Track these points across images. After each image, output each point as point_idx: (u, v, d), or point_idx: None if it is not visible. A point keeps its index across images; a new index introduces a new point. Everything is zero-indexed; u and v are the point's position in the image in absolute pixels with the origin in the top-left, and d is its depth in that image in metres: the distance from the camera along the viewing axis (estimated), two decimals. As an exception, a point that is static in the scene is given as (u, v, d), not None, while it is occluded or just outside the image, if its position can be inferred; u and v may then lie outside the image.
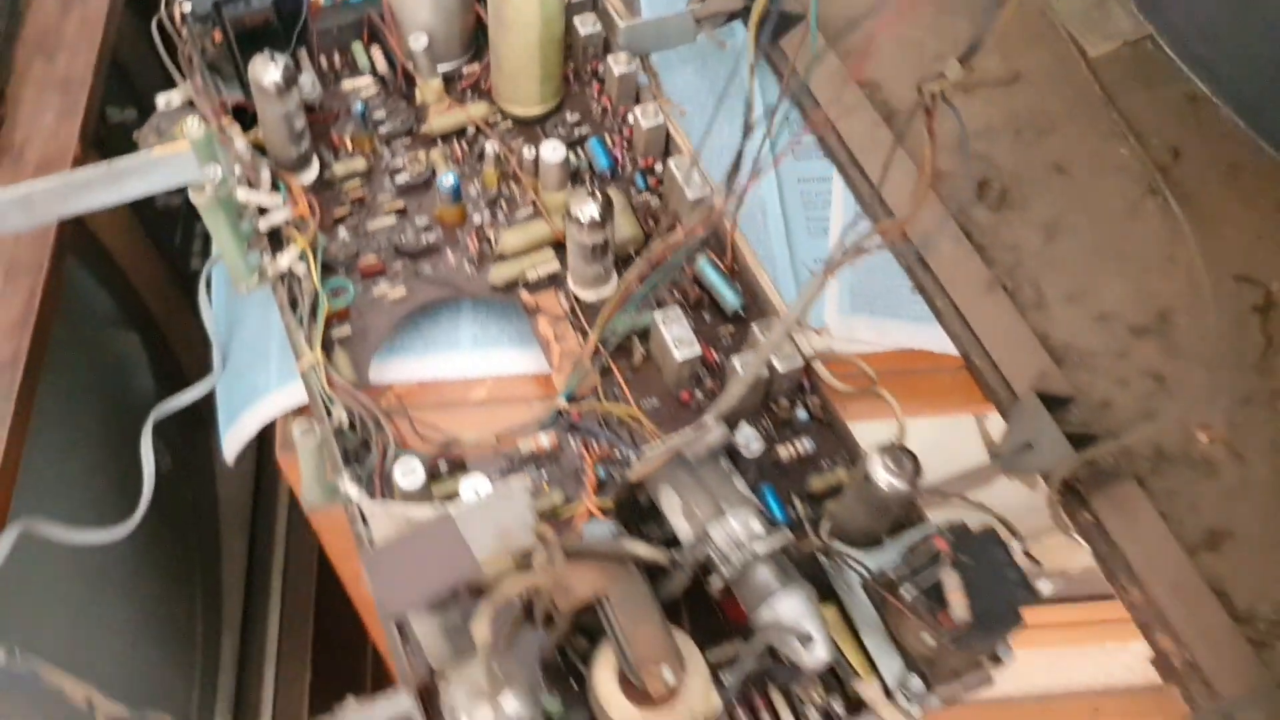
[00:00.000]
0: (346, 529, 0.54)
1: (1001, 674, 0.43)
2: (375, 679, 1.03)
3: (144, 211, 0.83)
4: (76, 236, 0.75)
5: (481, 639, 0.33)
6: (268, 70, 0.49)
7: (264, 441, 1.03)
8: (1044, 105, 0.59)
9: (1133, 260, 0.54)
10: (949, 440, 0.57)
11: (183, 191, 0.88)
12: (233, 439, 0.57)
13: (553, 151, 0.52)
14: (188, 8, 0.51)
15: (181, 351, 0.87)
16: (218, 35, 0.52)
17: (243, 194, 0.49)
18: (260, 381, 0.56)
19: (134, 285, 0.82)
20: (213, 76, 0.54)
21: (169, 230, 0.87)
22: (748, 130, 0.44)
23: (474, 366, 0.54)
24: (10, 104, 0.62)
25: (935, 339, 0.54)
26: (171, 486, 0.89)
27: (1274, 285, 0.52)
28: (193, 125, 0.48)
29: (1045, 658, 1.05)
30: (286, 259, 0.50)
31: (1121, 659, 1.05)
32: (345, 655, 1.01)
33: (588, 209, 0.47)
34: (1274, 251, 0.53)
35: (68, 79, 0.63)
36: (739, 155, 0.45)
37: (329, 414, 0.46)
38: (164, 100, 0.56)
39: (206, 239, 0.92)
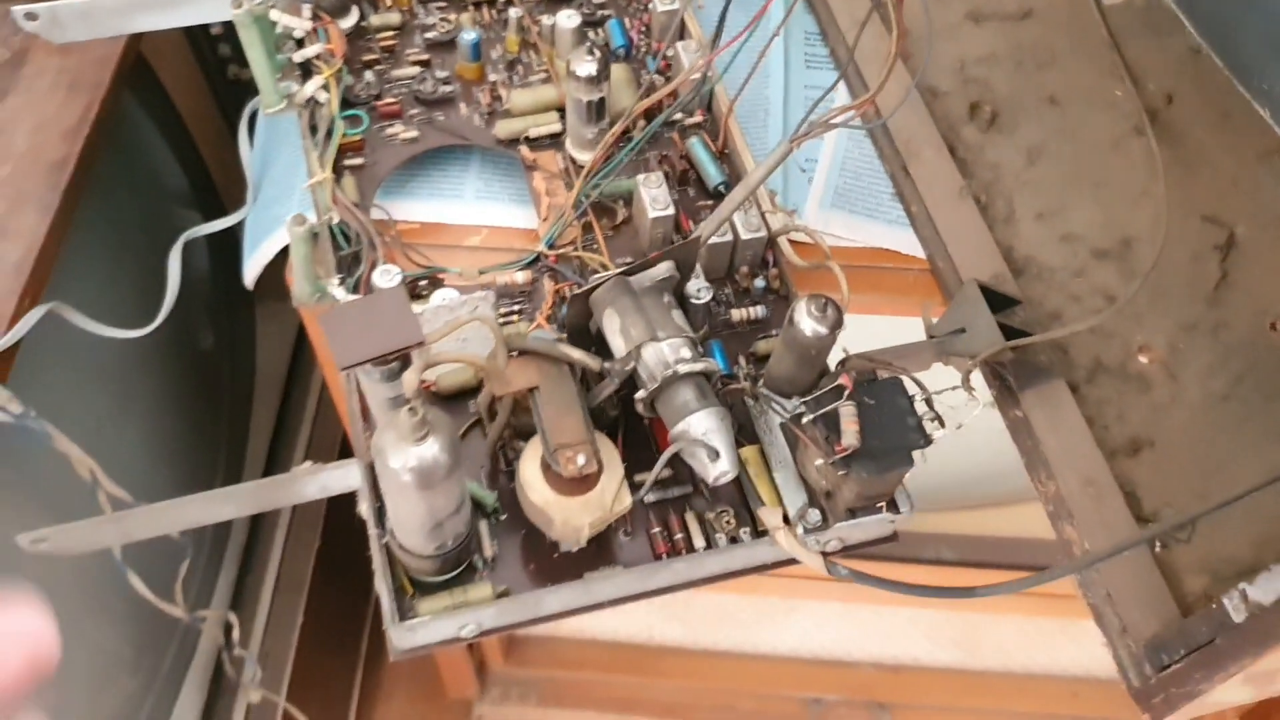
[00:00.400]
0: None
1: (902, 523, 0.46)
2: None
3: (215, 80, 0.89)
4: (152, 96, 0.81)
5: (409, 384, 0.37)
6: (316, -89, 0.54)
7: (303, 332, 1.08)
8: (1049, 41, 0.62)
9: (1107, 190, 0.57)
10: (903, 338, 0.60)
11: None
12: (253, 264, 0.62)
13: (567, 19, 0.56)
14: None
15: (230, 205, 0.93)
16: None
17: (275, 14, 0.54)
18: (284, 212, 0.61)
19: (198, 146, 0.88)
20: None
21: (238, 101, 0.92)
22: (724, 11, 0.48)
23: (473, 216, 0.58)
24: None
25: (906, 242, 0.57)
26: (212, 361, 0.95)
27: (1239, 228, 0.54)
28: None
29: (1028, 633, 1.07)
30: (310, 86, 0.54)
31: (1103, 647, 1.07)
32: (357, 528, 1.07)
33: (586, 65, 0.51)
34: (1245, 199, 0.55)
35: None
36: (724, 11, 0.49)
37: (333, 236, 0.50)
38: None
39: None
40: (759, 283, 0.52)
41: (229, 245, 0.94)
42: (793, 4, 0.54)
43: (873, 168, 0.59)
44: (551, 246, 0.53)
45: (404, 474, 0.38)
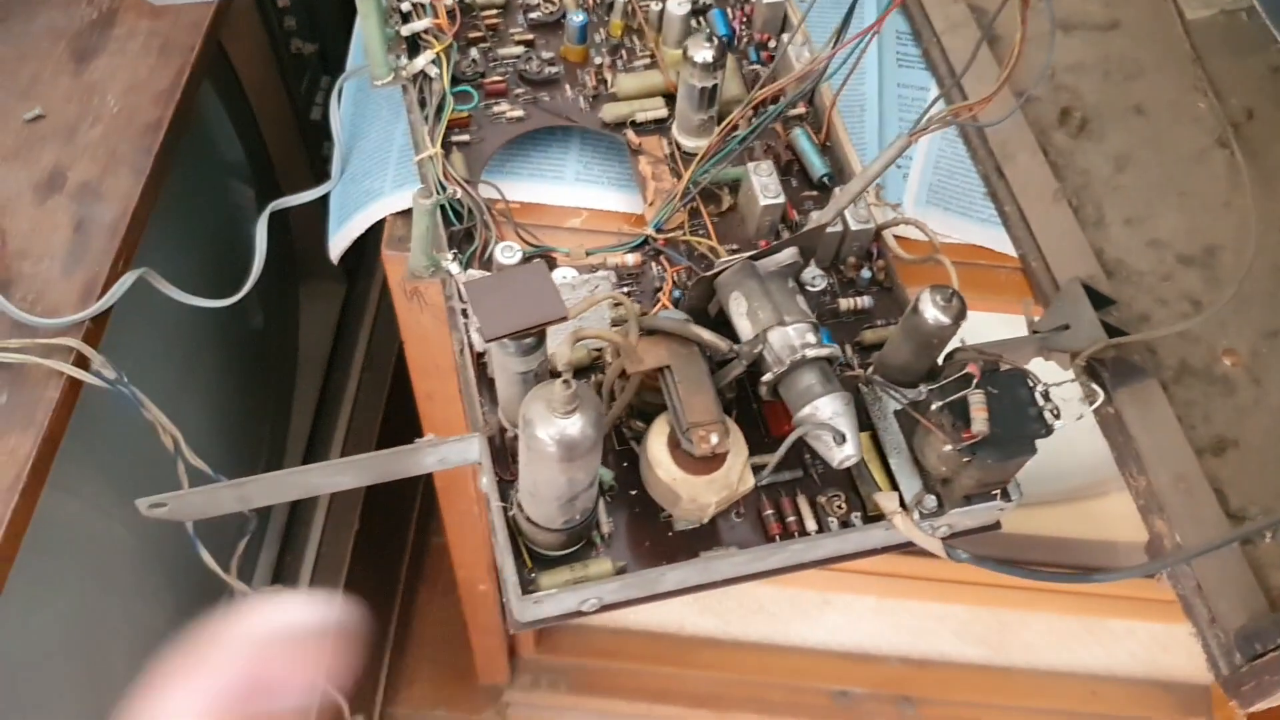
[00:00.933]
0: (431, 332, 0.60)
1: (1008, 517, 0.47)
2: (419, 530, 1.09)
3: (280, 52, 0.89)
4: (216, 65, 0.81)
5: (563, 357, 0.38)
6: (436, -112, 0.54)
7: (348, 305, 1.08)
8: (1135, 53, 0.63)
9: (1192, 199, 0.58)
10: (996, 334, 0.61)
11: (319, 38, 0.94)
12: (341, 238, 0.62)
13: (678, 5, 0.57)
14: None
15: (284, 180, 0.94)
16: None
17: (399, -13, 0.54)
18: (376, 186, 0.61)
19: (258, 120, 0.88)
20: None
21: (299, 75, 0.93)
22: (850, 11, 0.49)
23: (574, 198, 0.58)
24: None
25: (998, 240, 0.59)
26: (260, 339, 0.95)
27: (1317, 241, 0.56)
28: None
29: (1054, 630, 1.08)
30: (422, 60, 0.55)
31: (1128, 646, 1.09)
32: (394, 509, 1.08)
33: (703, 51, 0.51)
34: (1323, 214, 0.57)
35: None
36: (846, 18, 0.50)
37: (443, 191, 0.51)
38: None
39: (329, 90, 0.98)
40: (865, 274, 0.53)
41: (279, 222, 0.95)
42: (891, 5, 0.55)
43: (965, 167, 0.61)
44: (659, 230, 0.53)
45: (551, 445, 0.38)
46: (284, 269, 1.01)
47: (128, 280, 0.56)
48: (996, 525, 0.47)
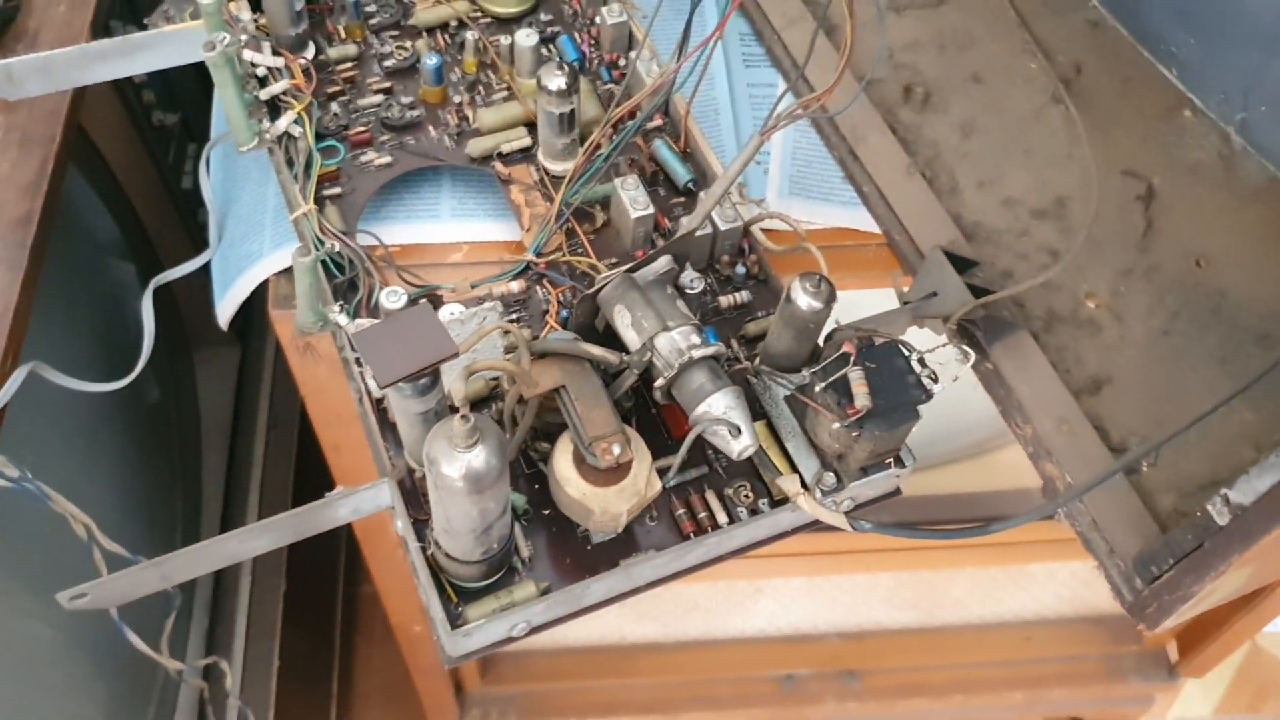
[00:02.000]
0: (328, 384, 0.61)
1: (906, 481, 0.49)
2: (348, 581, 1.08)
3: (142, 126, 0.88)
4: (79, 147, 0.80)
5: (458, 393, 0.39)
6: (273, -50, 0.55)
7: (244, 367, 1.07)
8: (966, 25, 0.67)
9: (1036, 156, 0.61)
10: (871, 308, 0.64)
11: (180, 108, 0.93)
12: (228, 303, 0.62)
13: (526, 37, 0.58)
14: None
15: (163, 252, 0.93)
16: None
17: (249, 54, 0.55)
18: (255, 249, 0.61)
19: (128, 195, 0.87)
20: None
21: (164, 147, 0.92)
22: (689, 20, 0.51)
23: (452, 234, 0.60)
24: (25, -6, 0.68)
25: (861, 220, 0.61)
26: (160, 411, 0.94)
27: (1155, 179, 0.60)
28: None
29: (979, 584, 1.12)
30: (284, 122, 0.56)
31: (1051, 588, 1.13)
32: (318, 564, 1.07)
33: (556, 79, 0.53)
34: (1156, 152, 0.61)
35: (78, -26, 0.69)
36: (686, 28, 0.52)
37: (321, 246, 0.52)
38: (169, -12, 0.61)
39: (197, 158, 0.98)
40: (739, 270, 0.55)
41: (164, 295, 0.94)
42: (729, 9, 0.57)
43: (822, 155, 0.63)
44: (539, 254, 0.55)
45: (458, 480, 0.40)
46: (175, 340, 1.00)
47: (18, 377, 0.56)
48: (897, 492, 0.50)
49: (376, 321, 0.46)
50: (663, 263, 0.47)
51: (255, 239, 0.62)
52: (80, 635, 0.74)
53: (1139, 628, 0.51)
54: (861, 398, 0.43)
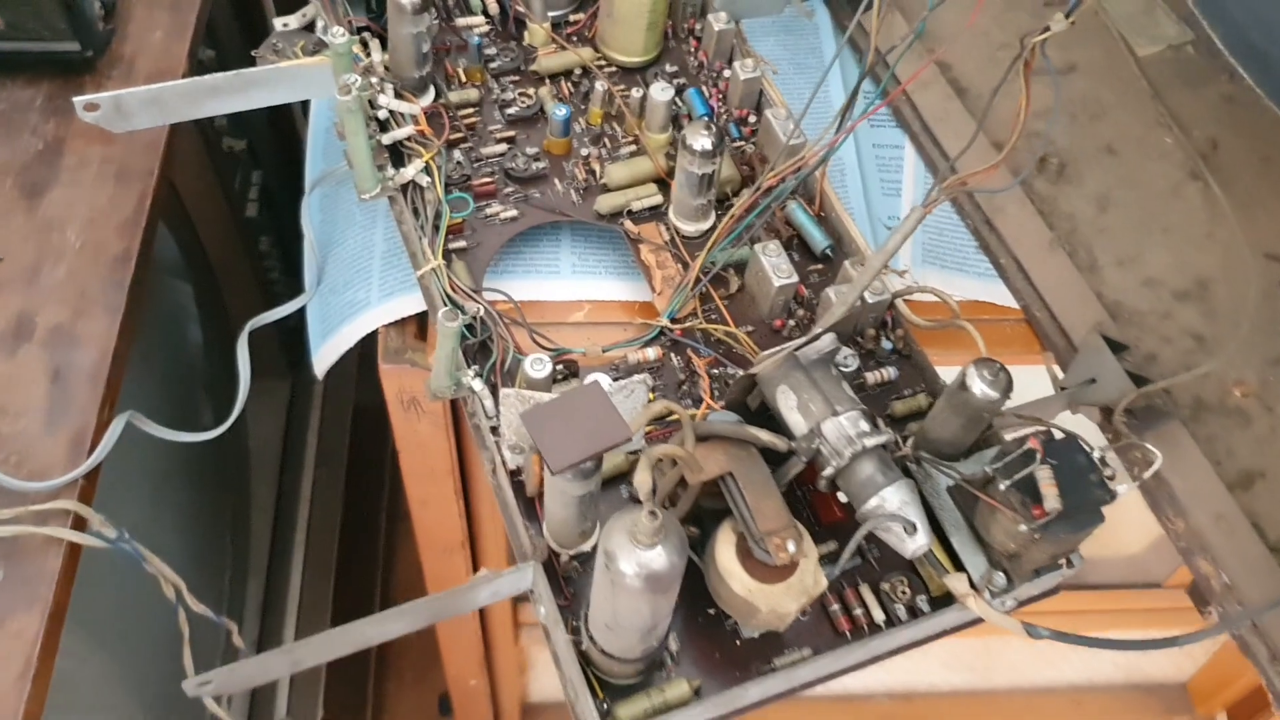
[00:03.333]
0: (429, 440, 0.58)
1: (1064, 576, 0.47)
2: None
3: (214, 152, 0.86)
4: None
5: (645, 485, 0.37)
6: (408, -9, 0.52)
7: (294, 401, 1.04)
8: (1096, 94, 0.65)
9: (1175, 234, 0.59)
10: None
11: (247, 133, 0.90)
12: (328, 351, 0.59)
13: (661, 92, 0.56)
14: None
15: (231, 298, 0.90)
16: (353, -42, 0.55)
17: (384, 99, 0.52)
18: (360, 297, 0.59)
19: (193, 219, 0.84)
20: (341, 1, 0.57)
21: (232, 173, 0.89)
22: (854, 95, 0.49)
23: (573, 291, 0.57)
24: (120, 19, 0.65)
25: (997, 293, 0.59)
26: (214, 449, 0.91)
27: (1302, 263, 0.58)
28: (337, 34, 0.51)
29: (1035, 648, 1.10)
30: (412, 170, 0.53)
31: (1106, 654, 1.10)
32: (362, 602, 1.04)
33: (702, 139, 0.51)
34: (1301, 235, 0.59)
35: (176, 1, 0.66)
36: (847, 105, 0.50)
37: (457, 306, 0.49)
38: (281, 23, 0.59)
39: (264, 187, 0.95)
40: (885, 344, 0.52)
41: (219, 320, 0.91)
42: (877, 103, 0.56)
43: (955, 222, 0.61)
44: (674, 319, 0.52)
45: (635, 579, 0.37)
46: (229, 369, 0.97)
47: (116, 429, 0.53)
48: (1056, 590, 0.47)
49: (546, 399, 0.43)
50: (827, 341, 0.45)
51: (361, 286, 0.59)
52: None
53: None
54: (1051, 500, 0.41)
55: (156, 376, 0.78)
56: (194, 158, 0.82)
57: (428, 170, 0.53)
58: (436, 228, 0.52)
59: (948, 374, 0.52)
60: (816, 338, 0.45)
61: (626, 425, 0.38)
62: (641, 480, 0.37)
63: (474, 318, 0.50)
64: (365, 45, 0.57)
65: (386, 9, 0.54)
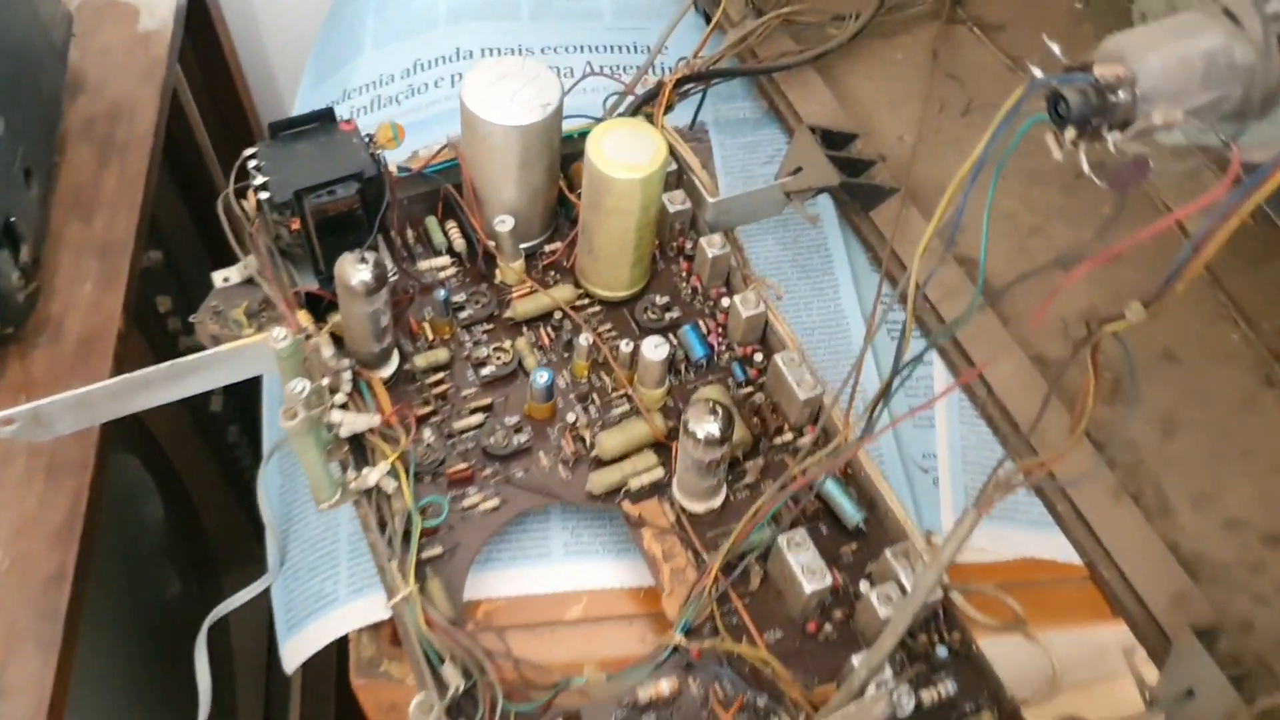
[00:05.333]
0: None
1: None
2: None
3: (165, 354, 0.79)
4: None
5: None
6: (358, 271, 0.45)
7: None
8: (1143, 283, 0.57)
9: (1257, 459, 0.52)
10: (1080, 654, 0.54)
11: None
12: (297, 648, 0.52)
13: (654, 350, 0.49)
14: (264, 194, 0.47)
15: (200, 499, 0.82)
16: (294, 223, 0.48)
17: (338, 416, 0.45)
18: (328, 590, 0.52)
19: (155, 437, 0.77)
20: (285, 263, 0.50)
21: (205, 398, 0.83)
22: (896, 371, 0.41)
23: (567, 579, 0.50)
24: (48, 272, 0.58)
25: (1054, 546, 0.51)
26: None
27: None
28: (279, 335, 0.44)
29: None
30: (375, 475, 0.46)
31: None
32: None
33: (707, 425, 0.44)
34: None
35: (107, 243, 0.59)
36: (888, 386, 0.42)
37: (434, 671, 0.41)
38: (221, 278, 0.52)
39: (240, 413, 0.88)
40: (941, 651, 0.45)
41: (182, 507, 0.83)
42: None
43: (998, 457, 0.54)
44: (688, 633, 0.45)
45: None
46: (201, 560, 0.89)
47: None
48: None
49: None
50: (881, 711, 0.37)
51: (328, 575, 0.52)
52: None
53: None
54: None
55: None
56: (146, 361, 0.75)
57: (394, 472, 0.46)
58: (408, 540, 0.45)
59: (1007, 647, 0.45)
60: (868, 708, 0.38)
61: None
62: None
63: (453, 658, 0.42)
64: (314, 313, 0.49)
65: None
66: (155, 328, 0.76)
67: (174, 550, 0.82)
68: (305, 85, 0.74)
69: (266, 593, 0.54)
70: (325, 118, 0.50)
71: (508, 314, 0.53)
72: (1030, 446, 0.50)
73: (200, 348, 0.48)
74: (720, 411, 0.44)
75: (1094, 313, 0.52)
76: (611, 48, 0.70)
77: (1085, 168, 0.34)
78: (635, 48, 0.71)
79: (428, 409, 0.50)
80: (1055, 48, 0.34)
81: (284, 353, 0.44)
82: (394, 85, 0.69)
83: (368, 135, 0.49)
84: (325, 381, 0.46)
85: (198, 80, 0.86)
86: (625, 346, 0.50)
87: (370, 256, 0.46)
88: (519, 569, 0.50)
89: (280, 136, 0.49)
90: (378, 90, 0.69)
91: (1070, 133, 0.34)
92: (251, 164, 0.48)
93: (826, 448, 0.46)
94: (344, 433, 0.47)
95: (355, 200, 0.47)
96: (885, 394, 0.43)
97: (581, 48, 0.70)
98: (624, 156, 0.48)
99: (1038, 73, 0.34)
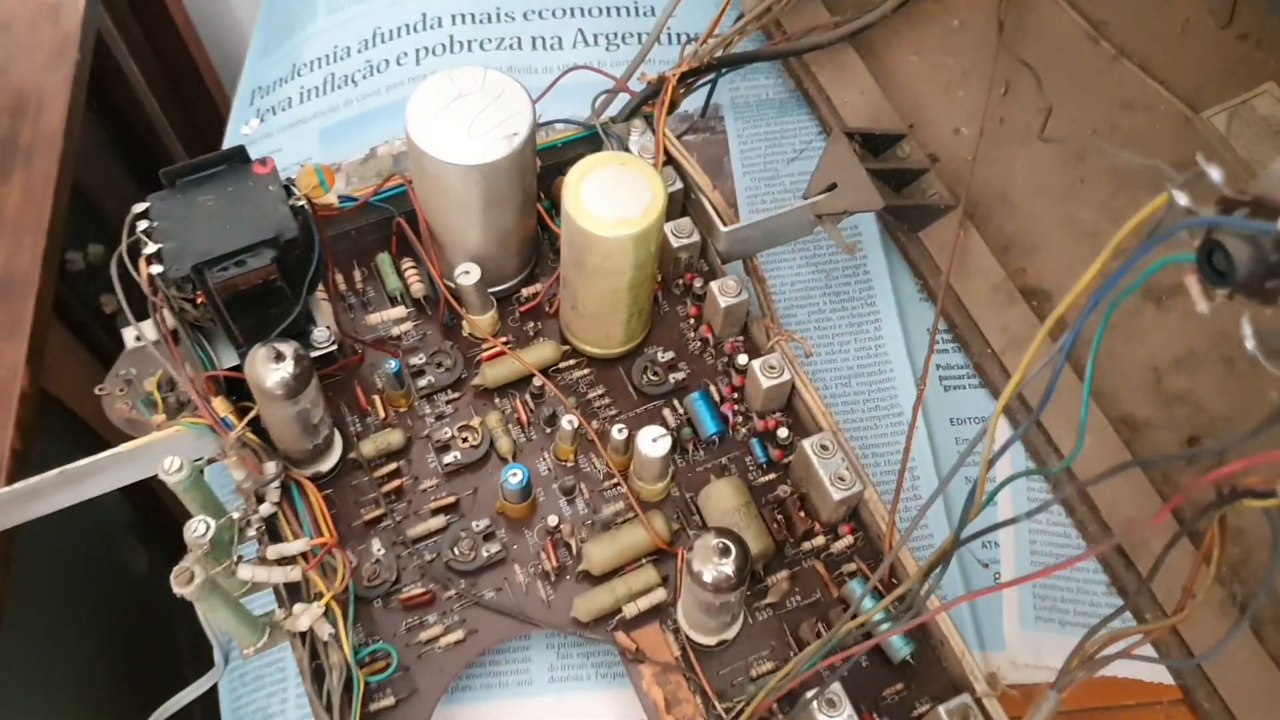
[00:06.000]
0: None
1: None
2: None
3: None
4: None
5: None
6: (273, 372, 0.36)
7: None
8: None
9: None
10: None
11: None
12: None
13: (653, 445, 0.39)
14: (156, 269, 0.38)
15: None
16: (200, 296, 0.38)
17: (247, 572, 0.36)
18: (275, 709, 0.44)
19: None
20: (197, 338, 0.41)
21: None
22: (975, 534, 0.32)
23: (554, 711, 0.41)
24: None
25: (1142, 666, 0.43)
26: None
27: None
28: (170, 466, 0.35)
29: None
30: (307, 618, 0.37)
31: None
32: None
33: (712, 570, 0.35)
34: None
35: (6, 278, 0.50)
36: (956, 535, 0.33)
37: None
38: (133, 335, 0.42)
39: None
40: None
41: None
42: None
43: (1072, 552, 0.44)
44: (697, 806, 0.37)
45: None
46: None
47: None
48: None
49: None
50: None
51: (275, 688, 0.45)
52: None
53: None
54: None
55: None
56: (79, 370, 0.66)
57: (330, 615, 0.37)
58: (351, 706, 0.36)
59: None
60: None
61: None
62: None
63: None
64: (238, 395, 0.40)
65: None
66: (99, 336, 0.67)
67: (139, 526, 0.76)
68: (252, 54, 0.63)
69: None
70: (235, 158, 0.39)
71: (476, 380, 0.44)
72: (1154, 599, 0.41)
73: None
74: (733, 551, 0.35)
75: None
76: (606, 10, 0.59)
77: (1249, 343, 0.23)
78: (635, 10, 0.59)
79: (377, 512, 0.41)
80: (1215, 173, 0.23)
81: (179, 486, 0.35)
82: (350, 61, 0.58)
83: (287, 180, 0.39)
84: (237, 514, 0.37)
85: (135, 34, 0.74)
86: (619, 433, 0.41)
87: (288, 349, 0.36)
88: (496, 700, 0.42)
89: (179, 185, 0.39)
90: (331, 67, 0.59)
91: (1225, 290, 0.24)
92: (141, 225, 0.38)
93: (887, 598, 0.37)
94: (270, 554, 0.38)
95: (271, 270, 0.38)
96: (955, 543, 0.33)
97: (571, 10, 0.58)
98: (609, 207, 0.38)
99: (1181, 198, 0.24)
